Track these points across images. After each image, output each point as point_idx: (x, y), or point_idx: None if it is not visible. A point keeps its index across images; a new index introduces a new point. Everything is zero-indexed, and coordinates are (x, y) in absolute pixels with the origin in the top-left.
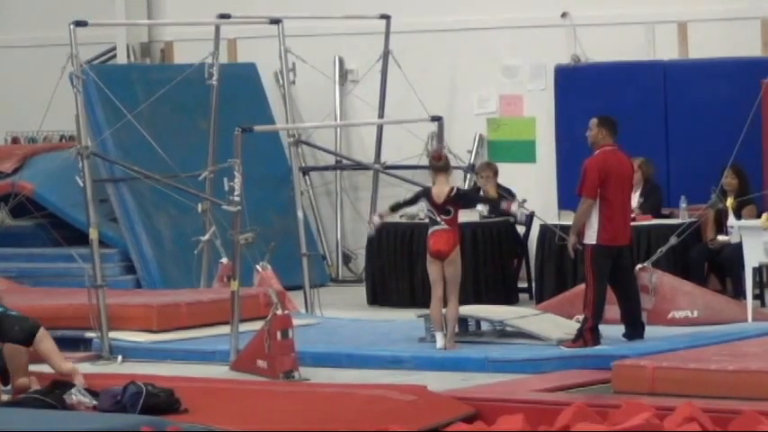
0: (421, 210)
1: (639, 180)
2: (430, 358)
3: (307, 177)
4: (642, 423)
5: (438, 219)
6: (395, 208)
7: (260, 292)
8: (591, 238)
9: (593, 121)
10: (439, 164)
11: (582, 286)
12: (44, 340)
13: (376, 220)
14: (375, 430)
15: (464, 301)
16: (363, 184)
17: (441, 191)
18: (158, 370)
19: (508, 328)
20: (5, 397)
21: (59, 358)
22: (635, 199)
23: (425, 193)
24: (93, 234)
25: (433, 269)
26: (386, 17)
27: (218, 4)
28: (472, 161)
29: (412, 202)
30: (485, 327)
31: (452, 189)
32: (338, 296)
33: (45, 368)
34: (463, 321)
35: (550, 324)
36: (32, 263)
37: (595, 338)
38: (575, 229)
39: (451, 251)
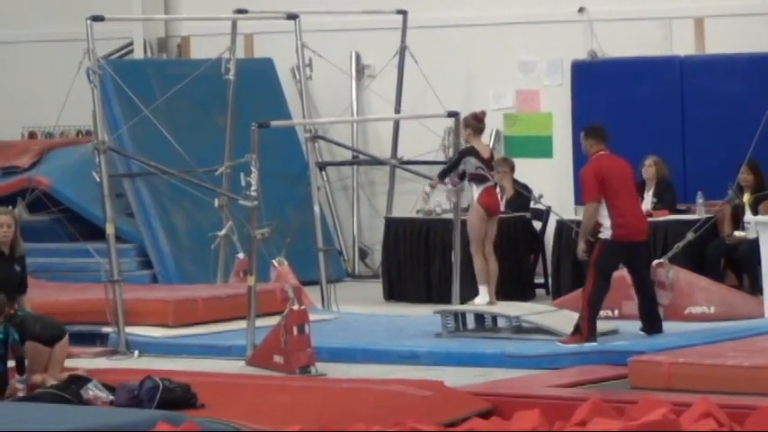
0: (470, 166)
1: (653, 177)
2: (446, 354)
3: (323, 172)
4: (659, 419)
5: (489, 175)
6: (443, 174)
7: (276, 287)
8: (605, 233)
9: (581, 134)
10: (481, 125)
11: None
12: (61, 349)
13: (428, 189)
14: (391, 426)
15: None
16: (380, 180)
17: (483, 148)
18: (175, 365)
19: (524, 324)
20: (20, 386)
21: (58, 368)
22: (648, 199)
23: (470, 152)
24: (110, 229)
25: (482, 226)
26: (402, 12)
27: None
28: None
29: (458, 163)
30: (501, 323)
31: (489, 147)
32: (354, 291)
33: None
34: (479, 317)
35: (567, 320)
36: (49, 258)
37: (592, 333)
38: (583, 235)
39: (500, 209)
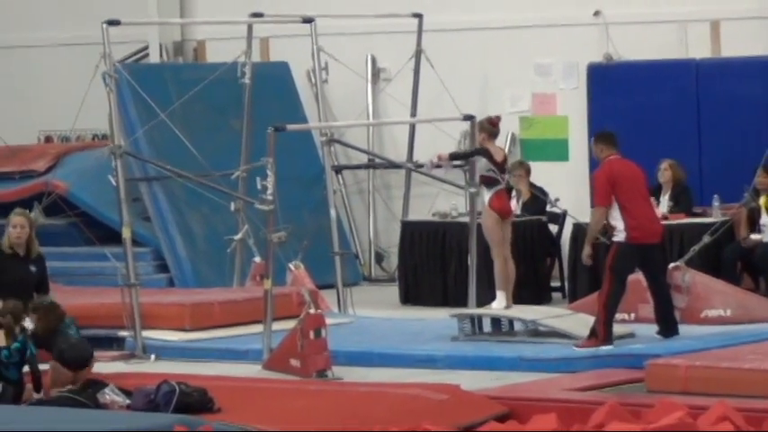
0: (482, 168)
1: (669, 180)
2: (463, 357)
3: (339, 176)
4: (675, 422)
5: (500, 178)
6: (453, 156)
7: (293, 291)
8: (620, 236)
9: (592, 140)
10: (495, 130)
11: None
12: (84, 373)
13: (434, 160)
14: (408, 429)
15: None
16: (396, 183)
17: (497, 151)
18: (191, 369)
19: (541, 328)
20: (36, 394)
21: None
22: (665, 202)
23: (484, 152)
24: (126, 233)
25: (498, 228)
26: (418, 16)
27: (251, 2)
28: None
29: (470, 155)
30: (518, 326)
31: (504, 151)
32: (371, 295)
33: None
34: (496, 321)
35: (583, 323)
36: (66, 262)
37: (608, 337)
38: (589, 240)
39: (512, 211)
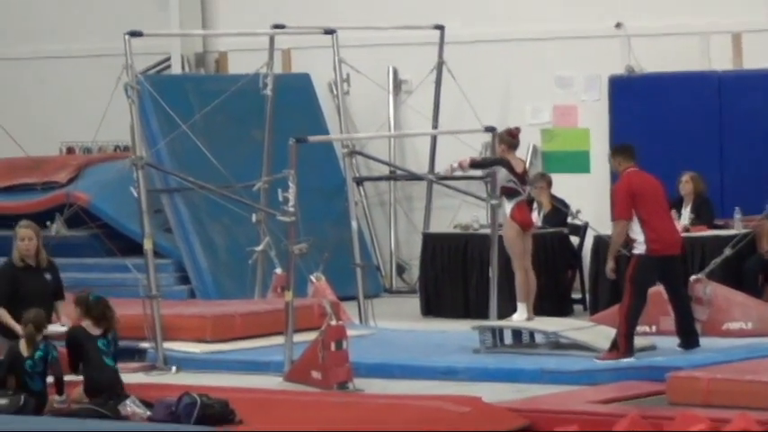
0: (502, 179)
1: (690, 193)
2: (484, 369)
3: (361, 188)
4: None
5: (521, 189)
6: (474, 163)
7: (314, 302)
8: (640, 249)
9: (610, 153)
10: (515, 141)
11: None
12: None
13: (454, 165)
14: None
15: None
16: (417, 195)
17: (518, 163)
18: (213, 380)
19: (562, 340)
20: (59, 404)
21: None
22: (686, 214)
23: (504, 163)
24: (148, 244)
25: (519, 240)
26: (440, 27)
27: (273, 14)
28: None
29: (491, 163)
30: (539, 338)
31: (524, 162)
32: (392, 307)
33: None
34: (517, 333)
35: (604, 336)
36: (87, 273)
37: (629, 349)
38: (611, 254)
39: (534, 223)
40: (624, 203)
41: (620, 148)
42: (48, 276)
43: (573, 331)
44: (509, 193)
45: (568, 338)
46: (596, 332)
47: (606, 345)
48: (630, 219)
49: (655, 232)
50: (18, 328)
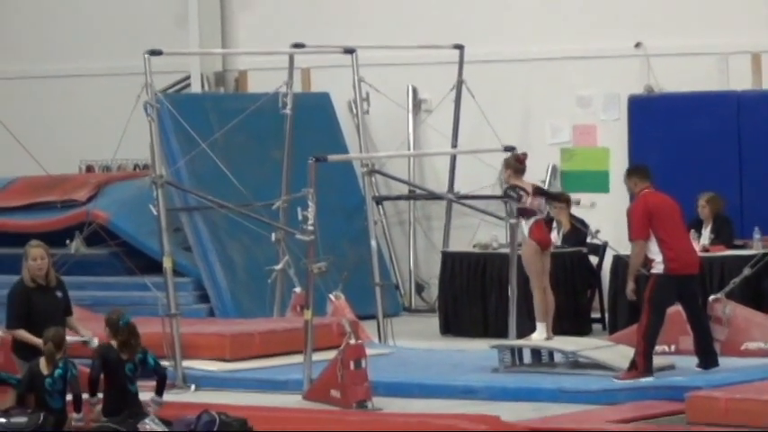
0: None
1: (709, 216)
2: (503, 388)
3: (380, 207)
4: None
5: (536, 209)
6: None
7: (333, 321)
8: (658, 268)
9: (625, 174)
10: (522, 166)
11: None
12: None
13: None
14: None
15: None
16: (436, 214)
17: (526, 186)
18: (231, 399)
19: (581, 359)
20: (77, 422)
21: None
22: (706, 235)
23: (513, 189)
24: (167, 263)
25: (537, 259)
26: (459, 47)
27: (292, 33)
28: None
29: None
30: (558, 358)
31: (532, 185)
32: (411, 326)
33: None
34: (536, 352)
35: (623, 355)
36: (106, 291)
37: (648, 368)
38: (631, 274)
39: (552, 241)
40: (641, 223)
41: (635, 168)
42: (59, 294)
43: (592, 351)
44: (526, 213)
45: (587, 358)
46: (615, 352)
47: (625, 364)
48: (648, 238)
49: (673, 251)
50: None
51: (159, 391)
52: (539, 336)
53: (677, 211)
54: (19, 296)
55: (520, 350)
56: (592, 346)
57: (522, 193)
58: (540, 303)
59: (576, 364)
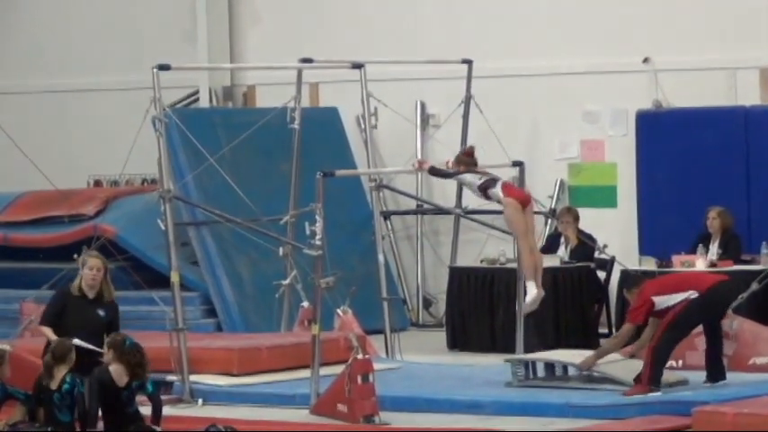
0: (472, 184)
1: (718, 229)
2: (510, 403)
3: (388, 222)
4: None
5: (495, 176)
6: (433, 172)
7: (341, 336)
8: (692, 296)
9: (626, 293)
10: (472, 159)
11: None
12: None
13: (414, 164)
14: None
15: (544, 346)
16: (444, 229)
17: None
18: (239, 413)
19: (594, 374)
20: None
21: None
22: (714, 250)
23: (462, 172)
24: (175, 277)
25: (520, 217)
26: (468, 62)
27: (301, 48)
28: (553, 206)
29: (452, 175)
30: (571, 372)
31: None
32: (418, 340)
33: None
34: (549, 366)
35: (636, 370)
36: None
37: (653, 380)
38: (600, 355)
39: (530, 197)
40: (641, 307)
41: (635, 279)
42: (101, 312)
43: (605, 365)
44: (488, 184)
45: (601, 372)
46: (629, 366)
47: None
48: (636, 322)
49: (690, 287)
50: (54, 338)
51: (155, 421)
52: (531, 293)
53: (669, 279)
54: (57, 298)
55: (533, 364)
56: (606, 360)
57: (479, 173)
58: (528, 262)
59: (590, 378)
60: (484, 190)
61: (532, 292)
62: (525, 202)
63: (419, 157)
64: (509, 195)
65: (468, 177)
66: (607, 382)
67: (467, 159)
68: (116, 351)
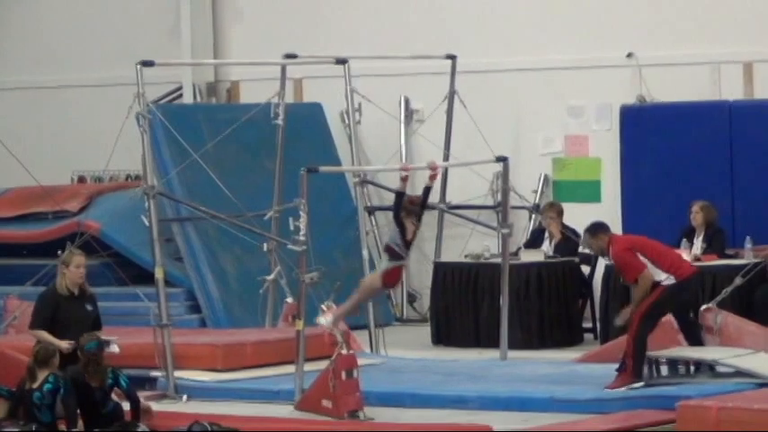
0: (391, 239)
1: (701, 223)
2: (494, 398)
3: (372, 217)
4: None
5: (404, 255)
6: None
7: (325, 331)
8: (669, 280)
9: (587, 237)
10: (414, 208)
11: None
12: None
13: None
14: None
15: (528, 341)
16: (428, 224)
17: (411, 230)
18: (223, 409)
19: (720, 368)
20: None
21: None
22: (698, 244)
23: (401, 225)
24: (159, 273)
25: (373, 292)
26: (452, 57)
27: (285, 43)
28: (537, 201)
29: (397, 208)
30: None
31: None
32: (403, 336)
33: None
34: (673, 363)
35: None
36: (98, 302)
37: (636, 371)
38: (635, 304)
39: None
40: (632, 259)
41: (595, 227)
42: (89, 307)
43: (733, 359)
44: (392, 254)
45: (729, 365)
46: (756, 358)
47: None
48: (646, 266)
49: (671, 266)
50: (60, 344)
51: (135, 415)
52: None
53: (648, 239)
54: (47, 300)
55: (657, 361)
56: (734, 354)
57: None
58: (348, 309)
59: (718, 374)
60: (387, 251)
61: (328, 317)
62: (389, 288)
63: (403, 153)
64: (384, 278)
65: (394, 234)
66: (738, 377)
67: (410, 207)
68: (80, 352)
